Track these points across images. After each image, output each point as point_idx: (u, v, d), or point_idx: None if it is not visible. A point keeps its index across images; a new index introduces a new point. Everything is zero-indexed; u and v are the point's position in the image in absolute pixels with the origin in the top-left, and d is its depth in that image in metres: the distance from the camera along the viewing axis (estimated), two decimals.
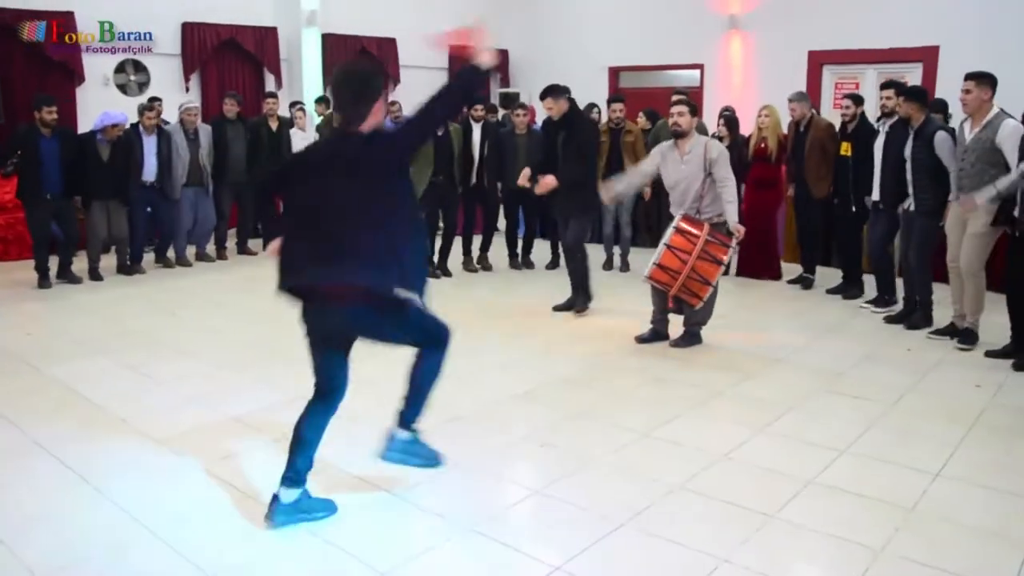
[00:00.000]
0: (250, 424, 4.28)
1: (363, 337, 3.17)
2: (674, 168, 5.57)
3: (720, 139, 7.56)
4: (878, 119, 6.72)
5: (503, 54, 12.81)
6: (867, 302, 6.89)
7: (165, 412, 4.44)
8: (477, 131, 8.09)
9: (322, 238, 2.90)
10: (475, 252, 8.47)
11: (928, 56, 9.53)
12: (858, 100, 7.20)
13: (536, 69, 11.95)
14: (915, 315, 6.23)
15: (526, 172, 6.46)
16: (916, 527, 3.27)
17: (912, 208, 6.14)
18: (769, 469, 3.76)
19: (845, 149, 7.09)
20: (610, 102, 8.34)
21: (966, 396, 4.78)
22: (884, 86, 6.78)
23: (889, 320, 6.40)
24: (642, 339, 5.81)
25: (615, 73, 11.77)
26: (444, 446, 3.52)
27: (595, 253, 7.29)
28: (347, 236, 2.88)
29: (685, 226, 5.21)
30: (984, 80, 5.47)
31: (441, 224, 8.08)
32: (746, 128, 7.97)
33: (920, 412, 4.53)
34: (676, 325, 5.78)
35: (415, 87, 10.07)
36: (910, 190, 6.14)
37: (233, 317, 6.61)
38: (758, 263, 7.82)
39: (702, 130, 7.09)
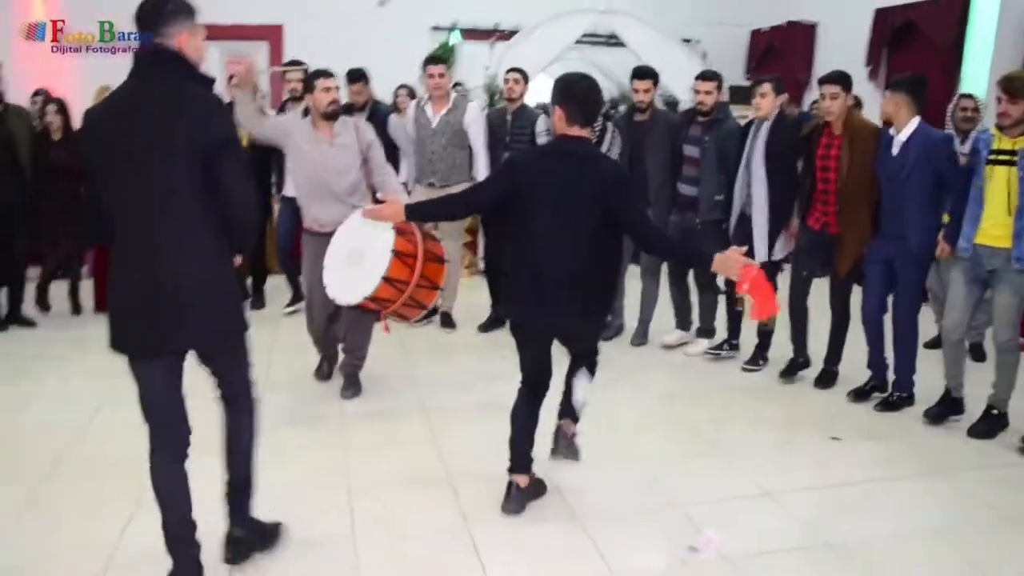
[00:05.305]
0: None
1: None
2: (319, 154, 4.35)
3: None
4: (285, 101, 6.24)
5: None
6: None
7: None
8: None
9: None
10: None
11: (273, 34, 9.04)
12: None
13: None
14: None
15: None
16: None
17: None
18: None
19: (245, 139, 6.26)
20: None
21: (630, 398, 4.66)
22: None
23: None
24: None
25: None
26: None
27: None
28: None
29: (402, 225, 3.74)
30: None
31: None
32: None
33: (618, 424, 4.22)
34: None
35: None
36: None
37: None
38: None
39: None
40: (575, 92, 3.03)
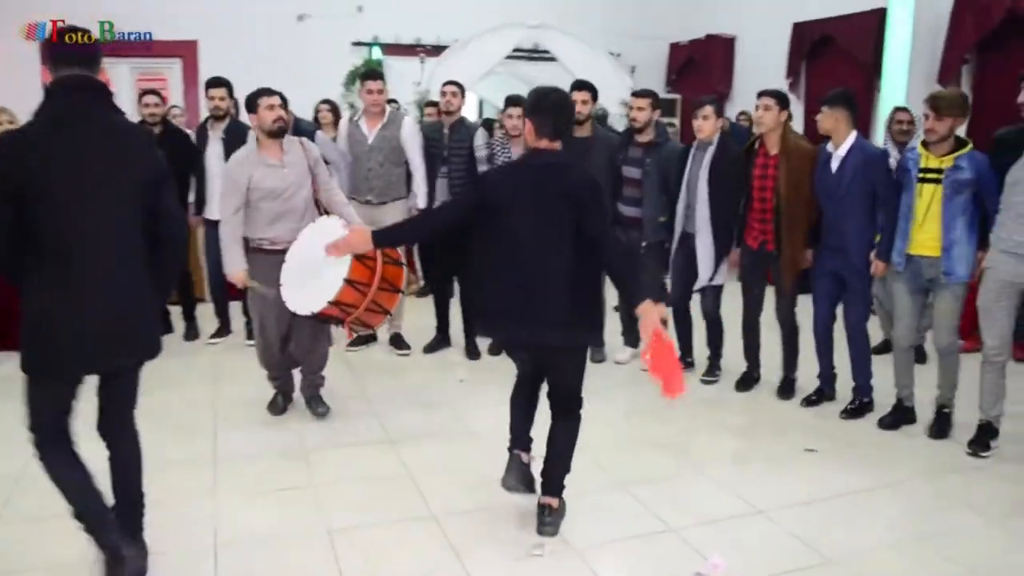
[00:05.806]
0: None
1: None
2: (272, 177, 4.15)
3: None
4: (205, 120, 5.91)
5: None
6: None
7: None
8: None
9: None
10: None
11: (188, 51, 8.70)
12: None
13: None
14: None
15: None
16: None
17: None
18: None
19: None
20: None
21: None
22: (210, 84, 5.77)
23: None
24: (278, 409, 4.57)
25: None
26: None
27: None
28: None
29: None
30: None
31: None
32: None
33: (591, 445, 4.02)
34: None
35: None
36: None
37: None
38: None
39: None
40: (545, 104, 3.01)
